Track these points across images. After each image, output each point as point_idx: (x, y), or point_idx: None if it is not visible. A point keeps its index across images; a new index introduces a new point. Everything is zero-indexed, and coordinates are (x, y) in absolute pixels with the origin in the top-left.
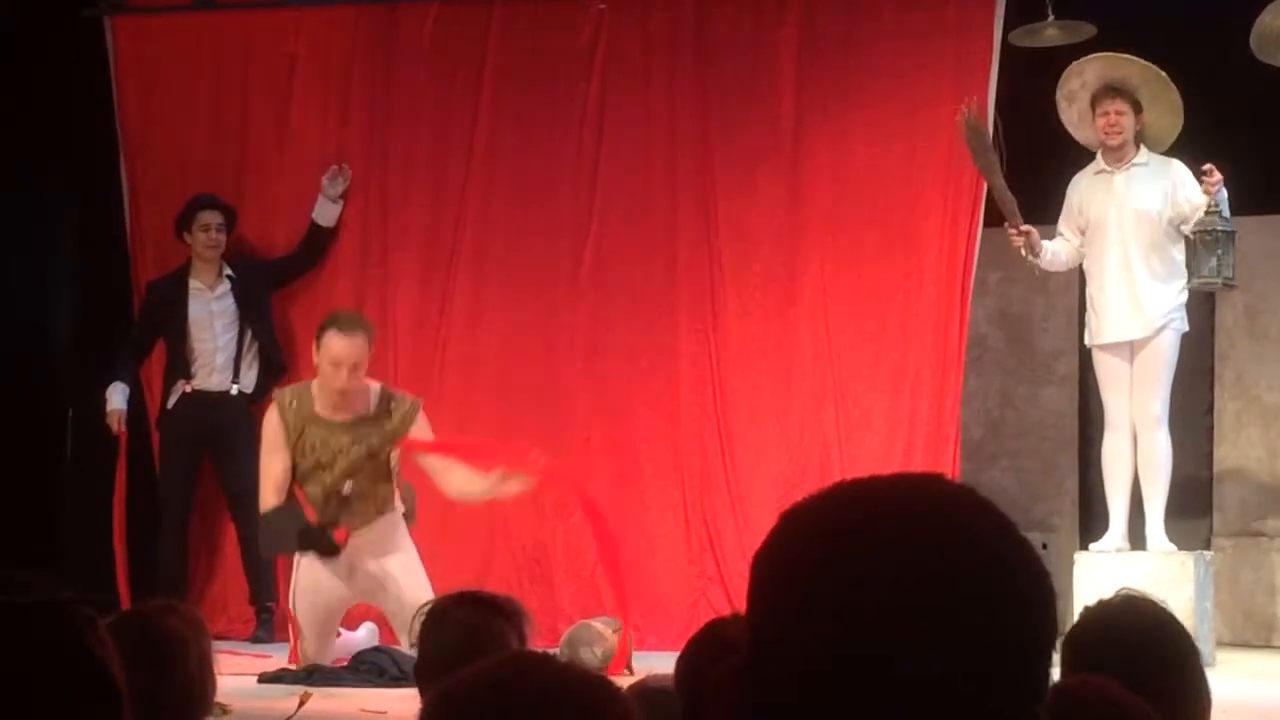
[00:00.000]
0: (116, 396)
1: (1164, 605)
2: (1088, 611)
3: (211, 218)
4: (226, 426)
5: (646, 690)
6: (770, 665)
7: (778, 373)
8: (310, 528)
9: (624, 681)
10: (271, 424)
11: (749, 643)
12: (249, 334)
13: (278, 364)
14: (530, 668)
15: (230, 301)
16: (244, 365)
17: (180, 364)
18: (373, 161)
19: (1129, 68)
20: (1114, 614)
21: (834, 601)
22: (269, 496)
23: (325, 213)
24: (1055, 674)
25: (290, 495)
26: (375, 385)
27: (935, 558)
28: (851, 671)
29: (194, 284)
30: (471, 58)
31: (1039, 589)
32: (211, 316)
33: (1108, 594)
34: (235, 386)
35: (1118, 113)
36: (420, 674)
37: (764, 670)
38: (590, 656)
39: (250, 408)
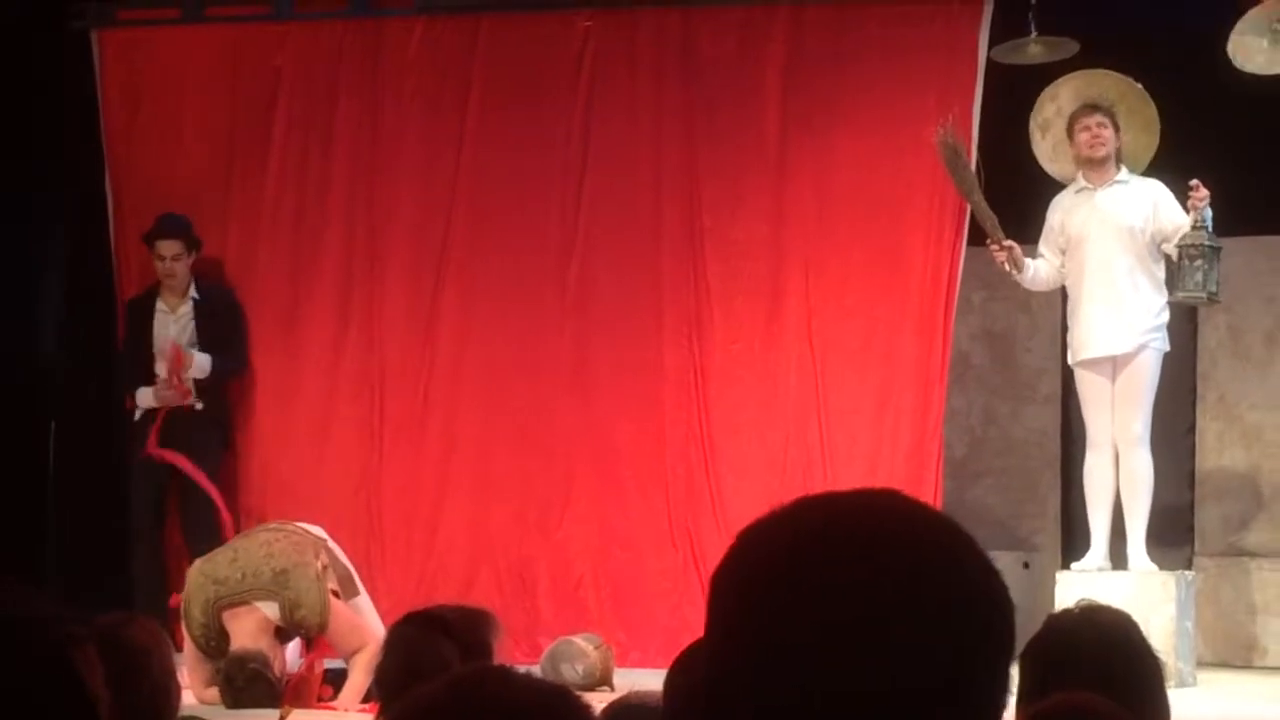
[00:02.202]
0: (146, 395)
1: (1126, 615)
2: (1050, 621)
3: (166, 248)
4: (182, 438)
5: (628, 707)
6: (727, 686)
7: (762, 388)
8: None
9: (606, 698)
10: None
11: (707, 662)
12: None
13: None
14: (487, 683)
15: (191, 324)
16: (205, 384)
17: (147, 381)
18: (359, 175)
19: (1105, 81)
20: (1074, 624)
21: (789, 622)
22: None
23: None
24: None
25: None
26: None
27: (892, 577)
28: (808, 694)
29: (160, 304)
30: (458, 73)
31: (996, 604)
32: (168, 339)
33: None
34: (200, 403)
35: (1099, 125)
36: (378, 696)
37: (722, 690)
38: (572, 673)
39: (212, 423)
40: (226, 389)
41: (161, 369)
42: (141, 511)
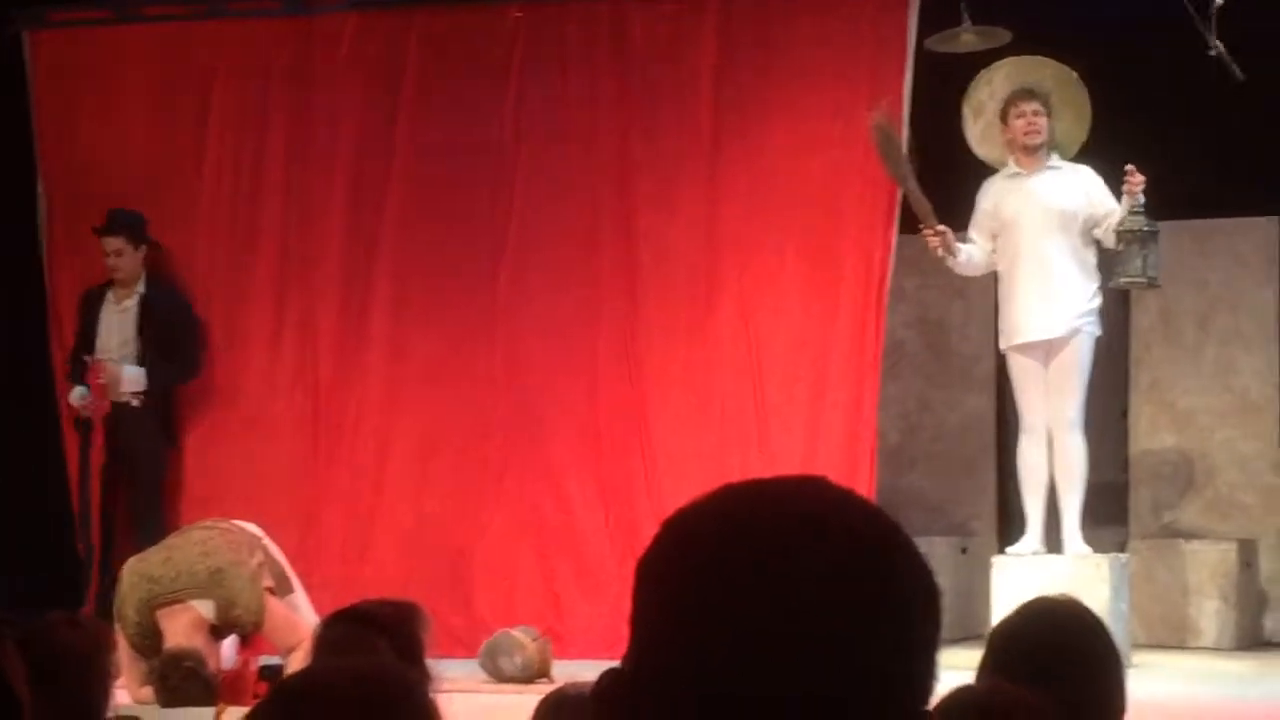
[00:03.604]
0: (76, 394)
1: (1098, 619)
2: (1016, 610)
3: (108, 244)
4: (126, 435)
5: (564, 698)
6: (652, 676)
7: (698, 379)
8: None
9: (544, 689)
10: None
11: (631, 651)
12: (144, 352)
13: (155, 382)
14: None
15: (133, 317)
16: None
17: (82, 369)
18: (293, 172)
19: (1043, 69)
20: (1040, 613)
21: (718, 613)
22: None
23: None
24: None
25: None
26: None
27: (820, 565)
28: (743, 684)
29: (109, 294)
30: (390, 69)
31: (923, 589)
32: (111, 330)
33: (1024, 597)
34: (136, 401)
35: (1034, 113)
36: None
37: (646, 681)
38: (510, 665)
39: (155, 422)
40: (174, 385)
41: (80, 396)
42: (86, 506)
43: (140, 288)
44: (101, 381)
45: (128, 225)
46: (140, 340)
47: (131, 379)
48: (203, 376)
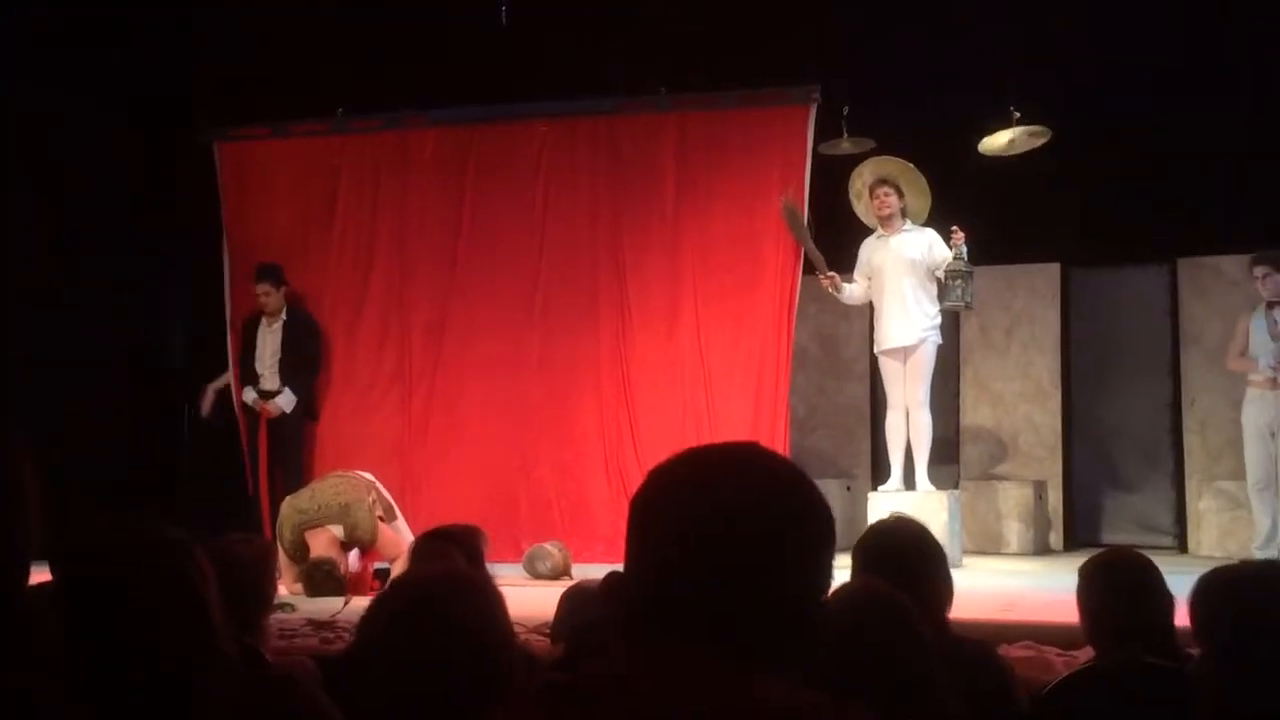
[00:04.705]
0: (249, 392)
1: (923, 524)
2: (871, 527)
3: (260, 287)
4: (280, 418)
5: (580, 589)
6: (636, 574)
7: (667, 372)
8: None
9: (566, 584)
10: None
11: (626, 559)
12: (287, 364)
13: (298, 389)
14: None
15: (279, 335)
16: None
17: (249, 373)
18: (394, 236)
19: (892, 165)
20: (888, 529)
21: (680, 529)
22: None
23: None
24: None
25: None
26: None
27: (752, 497)
28: (689, 578)
29: (263, 320)
30: (458, 166)
31: (820, 514)
32: (265, 345)
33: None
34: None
35: (885, 194)
36: None
37: (633, 578)
38: (544, 567)
39: (301, 407)
40: (311, 382)
41: (251, 397)
42: (252, 464)
43: (283, 315)
44: (271, 413)
45: (270, 274)
46: (284, 351)
47: (286, 402)
48: (330, 375)
